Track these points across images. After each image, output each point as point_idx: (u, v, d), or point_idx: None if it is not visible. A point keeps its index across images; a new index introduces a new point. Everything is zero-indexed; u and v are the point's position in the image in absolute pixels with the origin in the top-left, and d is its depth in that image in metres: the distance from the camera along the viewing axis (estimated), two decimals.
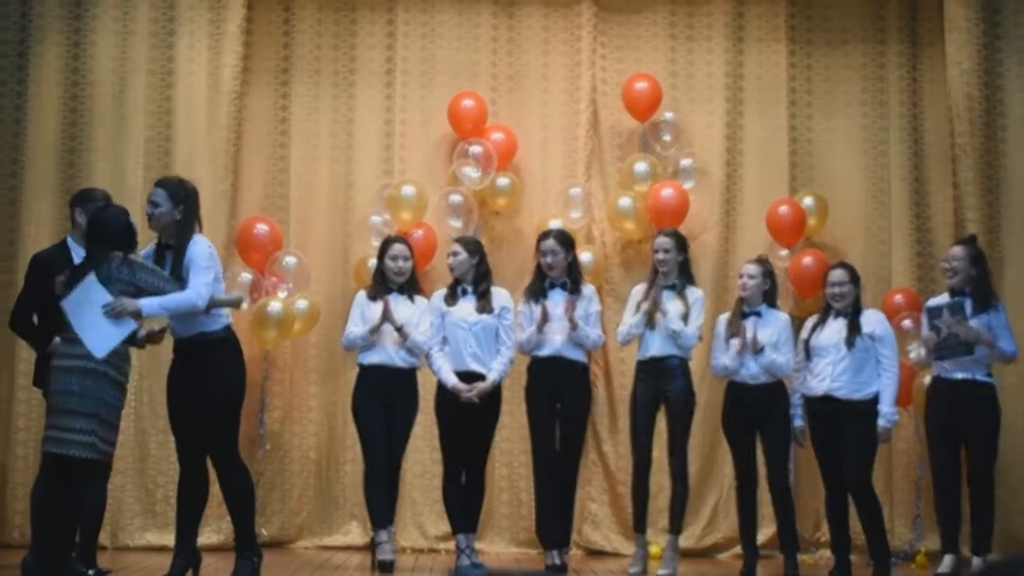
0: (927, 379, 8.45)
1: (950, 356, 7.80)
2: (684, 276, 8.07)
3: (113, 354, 6.67)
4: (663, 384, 7.93)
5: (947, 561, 7.90)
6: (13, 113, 9.08)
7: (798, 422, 7.96)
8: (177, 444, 7.08)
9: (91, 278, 6.66)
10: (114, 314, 6.60)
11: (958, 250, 7.99)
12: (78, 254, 7.13)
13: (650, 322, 7.96)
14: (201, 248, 6.78)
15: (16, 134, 9.07)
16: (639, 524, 8.02)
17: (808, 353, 7.91)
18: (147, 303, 6.62)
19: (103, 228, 6.77)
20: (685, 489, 7.99)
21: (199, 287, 6.68)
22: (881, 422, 7.71)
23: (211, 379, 6.84)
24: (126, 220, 6.83)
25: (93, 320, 6.60)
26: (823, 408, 7.79)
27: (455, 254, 7.98)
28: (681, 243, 8.08)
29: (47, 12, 9.16)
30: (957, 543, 7.97)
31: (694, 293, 8.03)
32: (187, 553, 7.08)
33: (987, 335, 7.77)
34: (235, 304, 7.08)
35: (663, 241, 8.05)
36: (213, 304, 6.81)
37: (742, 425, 7.94)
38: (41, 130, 9.09)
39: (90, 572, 6.73)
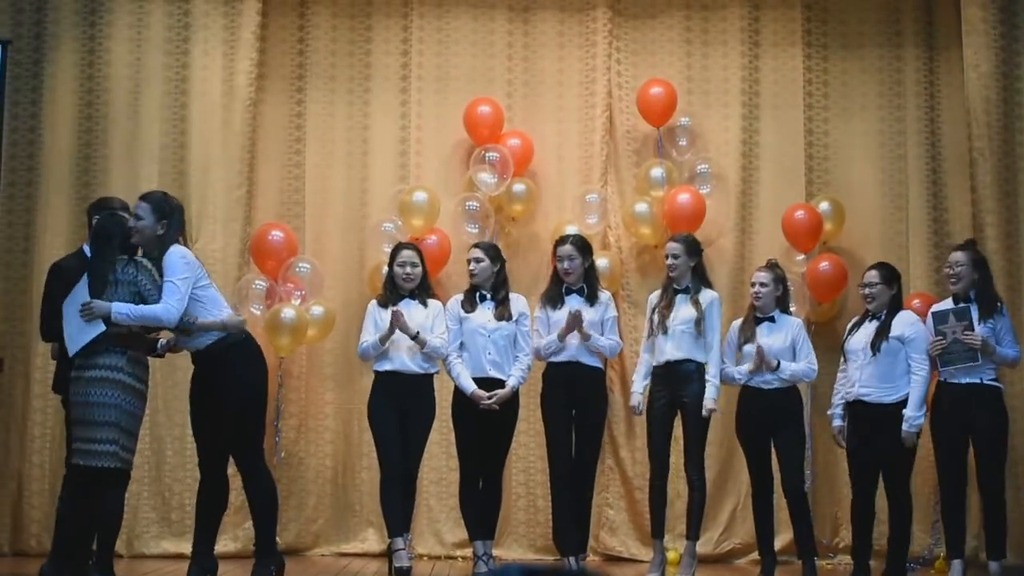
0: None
1: (955, 363, 7.75)
2: (697, 280, 8.04)
3: (132, 362, 6.69)
4: (679, 389, 7.90)
5: (955, 567, 7.87)
6: (28, 121, 9.06)
7: (837, 422, 7.92)
8: (198, 451, 7.11)
9: (83, 280, 6.70)
10: (86, 315, 6.61)
11: (959, 255, 7.93)
12: None
13: (663, 327, 7.94)
14: (174, 259, 6.76)
15: (31, 142, 9.06)
16: (657, 530, 8.00)
17: (845, 356, 7.92)
18: (118, 308, 6.62)
19: (111, 235, 6.82)
20: (702, 495, 7.95)
21: (171, 303, 6.69)
22: (904, 426, 7.68)
23: (230, 384, 6.89)
24: (130, 229, 6.88)
25: (72, 319, 6.66)
26: (856, 412, 7.79)
27: (477, 260, 7.96)
28: (692, 247, 8.05)
29: (62, 19, 9.15)
30: (963, 548, 7.94)
31: (707, 296, 8.00)
32: (204, 561, 7.11)
33: (991, 342, 7.72)
34: (220, 328, 6.94)
35: (672, 246, 8.03)
36: (198, 327, 6.84)
37: (756, 430, 7.92)
38: (56, 137, 9.08)
39: None
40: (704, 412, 7.89)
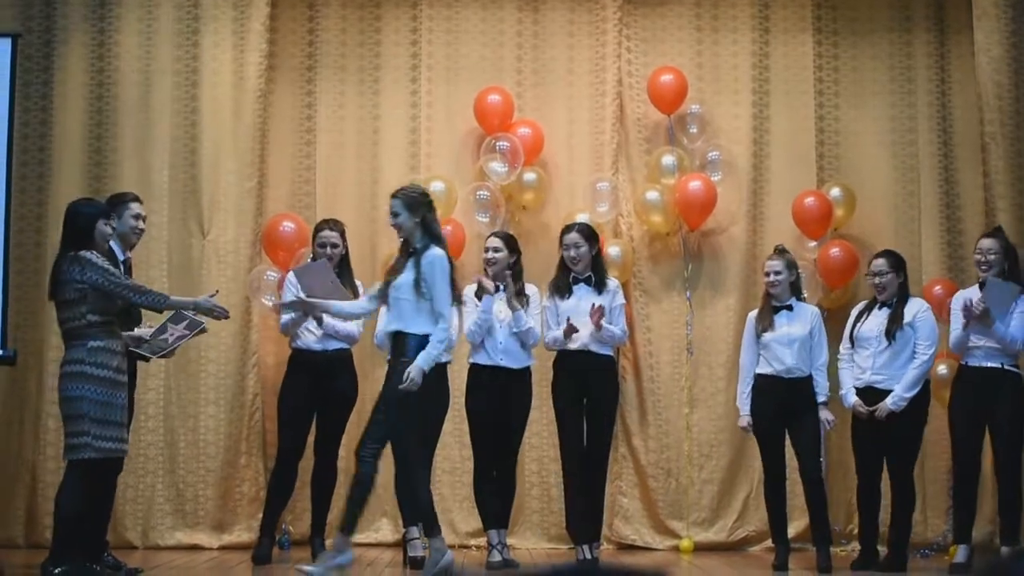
0: (941, 368, 8.42)
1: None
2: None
3: (93, 352, 6.72)
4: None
5: (961, 551, 7.89)
6: (39, 114, 9.06)
7: (852, 398, 7.85)
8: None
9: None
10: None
11: (992, 243, 7.95)
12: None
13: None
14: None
15: (42, 135, 9.05)
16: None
17: (853, 342, 7.90)
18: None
19: (75, 221, 6.88)
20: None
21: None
22: (889, 400, 7.68)
23: (349, 389, 8.30)
24: (94, 220, 6.89)
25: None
26: (865, 398, 7.78)
27: (496, 250, 7.98)
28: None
29: (71, 13, 9.14)
30: (971, 534, 7.96)
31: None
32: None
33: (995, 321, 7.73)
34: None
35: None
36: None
37: (772, 418, 7.90)
38: (67, 131, 9.07)
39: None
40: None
